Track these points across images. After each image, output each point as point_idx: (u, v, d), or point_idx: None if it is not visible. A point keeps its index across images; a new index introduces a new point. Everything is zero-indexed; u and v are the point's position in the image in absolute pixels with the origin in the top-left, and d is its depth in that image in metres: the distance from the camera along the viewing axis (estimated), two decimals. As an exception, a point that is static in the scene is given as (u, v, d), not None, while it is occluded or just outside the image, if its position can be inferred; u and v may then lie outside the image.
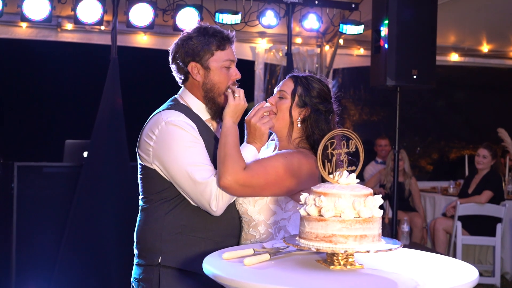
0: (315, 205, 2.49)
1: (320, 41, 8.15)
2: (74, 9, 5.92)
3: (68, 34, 6.86)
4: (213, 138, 2.81)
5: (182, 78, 2.83)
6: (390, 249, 2.41)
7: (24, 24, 6.66)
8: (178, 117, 2.69)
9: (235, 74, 2.83)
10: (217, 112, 2.81)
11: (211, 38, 2.75)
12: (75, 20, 5.97)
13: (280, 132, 2.94)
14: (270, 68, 7.94)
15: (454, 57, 8.79)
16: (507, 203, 7.21)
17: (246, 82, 8.71)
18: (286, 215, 2.87)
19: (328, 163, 2.63)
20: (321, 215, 2.45)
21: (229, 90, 2.77)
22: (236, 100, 2.73)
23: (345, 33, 7.15)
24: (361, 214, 2.43)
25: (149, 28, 6.19)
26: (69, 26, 6.76)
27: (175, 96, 2.87)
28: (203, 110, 2.81)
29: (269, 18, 6.63)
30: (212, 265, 2.57)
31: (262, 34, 7.67)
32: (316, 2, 6.72)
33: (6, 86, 9.38)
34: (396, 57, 5.78)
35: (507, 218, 7.21)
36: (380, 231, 2.49)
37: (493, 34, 8.45)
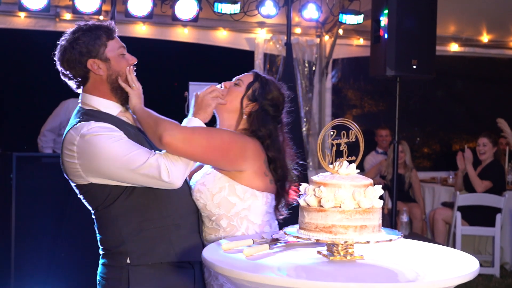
0: (314, 195, 2.48)
1: (320, 31, 8.12)
2: (72, -2, 5.90)
3: (66, 24, 6.83)
4: (132, 129, 2.76)
5: (80, 80, 2.76)
6: (391, 240, 2.40)
7: (22, 14, 6.63)
8: (89, 126, 2.61)
9: (132, 59, 2.79)
10: (125, 96, 2.78)
11: (98, 31, 2.71)
12: (73, 10, 5.96)
13: (227, 120, 2.93)
14: (270, 59, 7.92)
15: (454, 47, 8.76)
16: (507, 193, 7.20)
17: (246, 72, 8.68)
18: (246, 205, 2.85)
19: (328, 153, 2.62)
20: (320, 206, 2.44)
21: (123, 84, 2.74)
22: (135, 89, 2.74)
23: (344, 23, 7.12)
24: (361, 204, 2.42)
25: (148, 18, 6.17)
26: (67, 16, 6.73)
27: (78, 106, 2.79)
28: (112, 106, 2.76)
29: (269, 7, 6.61)
30: (211, 256, 2.56)
31: (261, 24, 7.64)
32: (316, -9, 6.69)
33: (5, 77, 9.35)
34: (396, 47, 5.76)
35: (506, 208, 7.20)
36: (381, 221, 2.48)
37: (493, 24, 8.42)
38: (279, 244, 2.70)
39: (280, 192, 2.92)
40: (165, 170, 2.57)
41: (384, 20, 5.84)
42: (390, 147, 7.50)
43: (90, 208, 2.79)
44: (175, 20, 6.35)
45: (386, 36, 5.79)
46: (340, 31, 7.97)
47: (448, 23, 8.19)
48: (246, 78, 2.93)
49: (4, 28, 6.86)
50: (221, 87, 2.94)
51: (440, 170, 9.24)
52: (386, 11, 5.81)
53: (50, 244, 5.53)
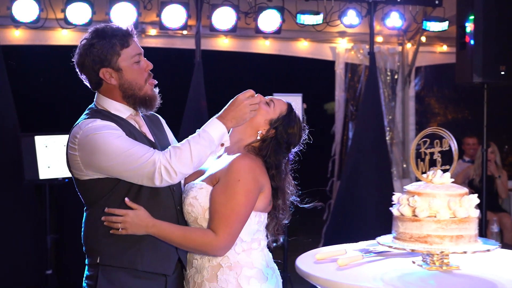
0: (408, 205, 2.47)
1: (402, 39, 8.03)
2: (159, 15, 6.06)
3: (152, 39, 7.02)
4: (138, 135, 2.74)
5: (95, 85, 2.76)
6: (488, 250, 2.36)
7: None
8: (93, 122, 2.64)
9: (147, 65, 2.75)
10: (140, 104, 2.75)
11: (112, 39, 2.65)
12: (160, 26, 6.11)
13: (240, 132, 2.86)
14: (351, 68, 7.88)
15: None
16: None
17: (327, 82, 8.67)
18: None
19: (422, 162, 2.60)
20: (415, 215, 2.43)
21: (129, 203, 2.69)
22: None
23: (428, 30, 7.01)
24: (456, 214, 2.39)
25: (232, 31, 6.26)
26: (152, 31, 6.92)
27: (91, 105, 2.81)
28: (122, 109, 2.75)
29: (351, 17, 6.59)
30: (305, 266, 2.59)
31: (342, 34, 7.63)
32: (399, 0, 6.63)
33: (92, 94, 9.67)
34: (482, 53, 5.63)
35: None
36: (477, 231, 2.44)
37: None
38: (372, 254, 2.69)
39: (275, 217, 2.86)
40: (159, 174, 2.54)
41: (469, 26, 5.73)
42: (478, 151, 7.35)
43: (84, 203, 2.79)
44: (258, 32, 6.42)
45: (472, 42, 5.68)
46: (423, 38, 7.86)
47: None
48: (280, 104, 2.88)
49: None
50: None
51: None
52: (471, 17, 5.70)
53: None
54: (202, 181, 2.75)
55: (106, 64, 2.66)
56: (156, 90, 2.78)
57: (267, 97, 2.90)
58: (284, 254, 5.84)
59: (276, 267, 2.83)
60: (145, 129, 2.80)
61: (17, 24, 5.98)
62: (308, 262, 2.63)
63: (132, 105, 2.75)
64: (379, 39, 7.73)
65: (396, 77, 8.07)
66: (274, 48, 7.46)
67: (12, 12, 5.72)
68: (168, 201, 2.72)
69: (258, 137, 2.83)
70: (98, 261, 2.66)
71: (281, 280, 2.82)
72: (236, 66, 7.92)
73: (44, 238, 5.00)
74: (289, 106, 2.91)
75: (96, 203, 2.68)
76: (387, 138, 7.69)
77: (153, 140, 2.78)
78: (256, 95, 2.80)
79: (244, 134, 2.84)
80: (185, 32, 6.56)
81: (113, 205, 2.64)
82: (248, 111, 2.73)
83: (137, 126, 2.77)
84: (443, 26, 6.86)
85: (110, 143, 2.57)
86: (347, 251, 2.71)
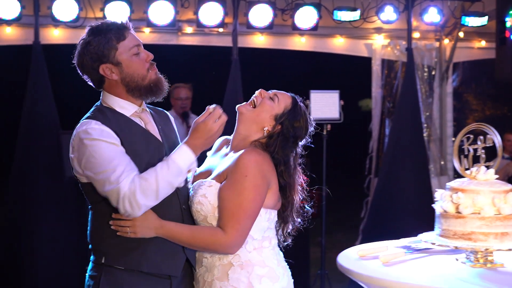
0: (452, 201, 2.45)
1: (439, 35, 7.93)
2: (196, 12, 6.09)
3: (188, 37, 7.05)
4: (141, 133, 2.70)
5: (97, 83, 2.73)
6: (535, 247, 2.33)
7: (147, 30, 6.91)
8: (89, 125, 2.59)
9: (147, 56, 2.69)
10: (147, 93, 2.70)
11: (108, 33, 2.64)
12: (198, 24, 6.14)
13: (245, 129, 2.82)
14: (388, 64, 7.81)
15: None
16: None
17: (363, 79, 8.61)
18: None
19: (465, 158, 2.57)
20: (458, 212, 2.40)
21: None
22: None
23: (467, 26, 6.92)
24: (501, 211, 2.36)
25: (269, 29, 6.26)
26: (189, 29, 6.94)
27: (97, 102, 2.77)
28: (127, 106, 2.70)
29: (388, 13, 6.54)
30: (347, 262, 2.58)
31: (378, 30, 7.56)
32: (437, -6, 6.57)
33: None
34: (523, 48, 5.55)
35: None
36: (523, 228, 2.41)
37: None
38: (414, 251, 2.68)
39: (285, 216, 2.81)
40: (122, 206, 2.50)
41: (510, 21, 5.65)
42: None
43: (88, 202, 2.76)
44: (295, 29, 6.41)
45: (512, 37, 5.60)
46: (461, 34, 7.75)
47: None
48: (284, 98, 2.82)
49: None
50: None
51: None
52: (512, 12, 5.62)
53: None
54: (212, 179, 2.72)
55: (105, 60, 2.63)
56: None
57: (271, 91, 2.84)
58: (321, 252, 5.84)
59: (288, 267, 2.77)
60: (151, 126, 2.75)
61: (57, 23, 6.06)
62: (349, 259, 2.62)
63: (138, 97, 2.70)
64: (416, 35, 7.65)
65: (433, 73, 7.97)
66: (309, 45, 7.44)
67: (52, 11, 5.80)
68: (172, 200, 2.67)
69: (265, 134, 2.77)
70: (103, 261, 2.64)
71: (292, 280, 2.74)
72: (272, 63, 7.90)
73: (85, 234, 5.05)
74: (294, 99, 2.83)
75: (100, 203, 2.64)
76: (424, 135, 7.61)
77: (159, 138, 2.73)
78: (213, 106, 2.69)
79: (249, 131, 2.79)
80: (221, 30, 6.58)
81: (110, 207, 2.58)
82: (218, 134, 2.65)
83: (142, 124, 2.72)
84: (482, 21, 6.76)
85: (94, 155, 2.54)
86: (388, 248, 2.70)
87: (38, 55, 5.63)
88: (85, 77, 2.72)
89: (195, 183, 2.76)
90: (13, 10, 5.71)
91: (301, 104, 2.86)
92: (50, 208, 5.51)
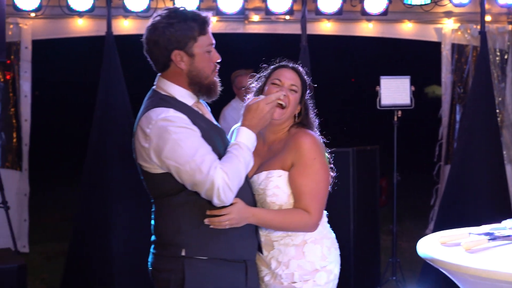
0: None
1: (511, 18, 7.72)
2: (264, 0, 6.10)
3: (255, 25, 7.07)
4: (203, 123, 2.68)
5: (162, 66, 2.68)
6: None
7: (214, 19, 6.96)
8: (167, 113, 2.55)
9: (216, 57, 2.71)
10: (205, 92, 2.71)
11: (192, 23, 2.61)
12: (266, 11, 6.15)
13: (281, 125, 2.94)
14: (458, 49, 7.64)
15: None
16: None
17: (432, 64, 8.47)
18: None
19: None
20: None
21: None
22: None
23: (543, 7, 6.70)
24: None
25: (338, 14, 6.21)
26: (255, 17, 6.96)
27: (153, 88, 2.72)
28: (187, 96, 2.68)
29: (461, -4, 6.40)
30: (428, 249, 2.55)
31: (448, 14, 7.41)
32: (512, -25, 6.37)
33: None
34: None
35: None
36: None
37: None
38: (497, 238, 2.62)
39: None
40: (217, 196, 2.50)
41: None
42: None
43: (150, 195, 2.74)
44: (364, 14, 6.34)
45: None
46: (535, 16, 7.52)
47: None
48: (296, 81, 2.91)
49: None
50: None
51: None
52: None
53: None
54: (274, 170, 2.81)
55: (181, 47, 2.61)
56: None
57: (282, 79, 2.88)
58: (393, 240, 5.78)
59: None
60: (209, 116, 2.79)
61: (127, 14, 6.17)
62: (430, 246, 2.59)
63: (195, 93, 2.70)
64: (487, 18, 7.46)
65: (506, 57, 7.77)
66: (377, 31, 7.35)
67: (124, 2, 5.91)
68: (245, 190, 2.71)
69: (296, 117, 2.94)
70: (183, 253, 2.61)
71: None
72: (340, 49, 7.87)
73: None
74: (296, 70, 2.93)
75: (175, 195, 2.62)
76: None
77: (219, 126, 2.80)
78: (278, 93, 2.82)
79: (286, 123, 2.93)
80: (287, 17, 6.57)
81: (190, 197, 2.59)
82: (270, 115, 2.73)
83: (200, 112, 2.73)
84: (557, 2, 6.54)
85: (182, 141, 2.51)
86: (470, 235, 2.65)
87: (110, 46, 5.73)
88: (149, 55, 2.68)
89: (256, 175, 2.83)
90: (86, 2, 5.85)
91: (297, 66, 2.96)
92: (123, 197, 5.60)
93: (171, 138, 2.51)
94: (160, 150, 2.53)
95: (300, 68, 2.95)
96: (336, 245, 2.90)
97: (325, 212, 2.90)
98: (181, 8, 2.67)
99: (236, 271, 2.69)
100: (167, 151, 2.52)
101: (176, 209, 2.63)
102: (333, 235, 2.93)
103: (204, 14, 2.67)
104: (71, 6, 5.86)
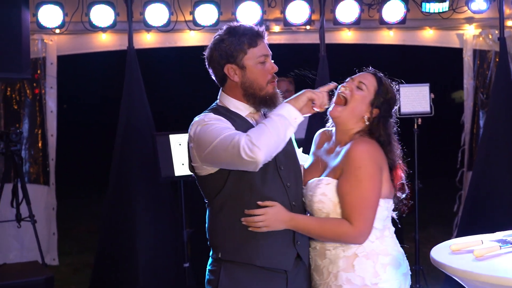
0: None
1: (533, 22, 7.67)
2: (283, 11, 6.16)
3: (275, 36, 7.13)
4: None
5: (220, 80, 2.83)
6: None
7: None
8: (205, 116, 2.72)
9: (271, 67, 2.77)
10: (260, 103, 2.78)
11: (242, 37, 2.73)
12: (285, 22, 6.21)
13: (343, 124, 2.86)
14: (480, 55, 7.62)
15: None
16: None
17: (455, 70, 8.42)
18: None
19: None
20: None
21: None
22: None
23: (562, 11, 6.66)
24: None
25: (356, 24, 6.24)
26: (276, 28, 7.02)
27: (214, 102, 2.89)
28: (241, 107, 2.79)
29: (479, 2, 6.38)
30: (440, 257, 2.58)
31: (469, 20, 7.39)
32: (532, -20, 6.35)
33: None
34: None
35: None
36: None
37: None
38: (510, 244, 2.63)
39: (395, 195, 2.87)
40: (244, 151, 2.52)
41: None
42: None
43: (206, 199, 2.86)
44: (382, 23, 6.36)
45: None
46: (556, 20, 7.46)
47: None
48: (370, 82, 2.84)
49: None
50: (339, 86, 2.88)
51: None
52: None
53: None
54: (326, 176, 2.79)
55: (231, 60, 2.74)
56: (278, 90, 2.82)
57: (354, 77, 2.87)
58: (415, 247, 5.78)
59: (404, 253, 2.86)
60: None
61: (149, 28, 6.27)
62: (443, 253, 2.61)
63: (252, 104, 2.80)
64: (509, 23, 7.43)
65: (527, 62, 7.71)
66: (398, 39, 7.36)
67: (145, 17, 6.01)
68: (282, 197, 2.74)
69: (366, 122, 2.83)
70: (220, 256, 2.74)
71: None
72: (361, 58, 7.86)
73: (181, 233, 5.20)
74: (376, 75, 2.87)
75: (215, 198, 2.75)
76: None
77: None
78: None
79: (349, 125, 2.85)
80: (307, 27, 6.61)
81: (229, 202, 2.70)
82: (319, 101, 2.71)
83: (254, 124, 2.79)
84: None
85: (207, 130, 2.64)
86: (483, 242, 2.67)
87: (132, 60, 5.84)
88: (210, 70, 2.85)
89: (310, 182, 2.84)
90: (108, 17, 5.96)
91: (381, 74, 2.90)
92: (147, 208, 5.69)
93: (202, 130, 2.66)
94: (198, 145, 2.68)
95: (381, 75, 2.90)
96: (399, 265, 2.76)
97: (392, 229, 2.83)
98: (237, 24, 2.81)
99: (274, 281, 2.73)
100: (202, 141, 2.65)
101: (216, 212, 2.76)
102: (398, 253, 2.80)
103: (257, 28, 2.79)
104: (94, 22, 5.97)
